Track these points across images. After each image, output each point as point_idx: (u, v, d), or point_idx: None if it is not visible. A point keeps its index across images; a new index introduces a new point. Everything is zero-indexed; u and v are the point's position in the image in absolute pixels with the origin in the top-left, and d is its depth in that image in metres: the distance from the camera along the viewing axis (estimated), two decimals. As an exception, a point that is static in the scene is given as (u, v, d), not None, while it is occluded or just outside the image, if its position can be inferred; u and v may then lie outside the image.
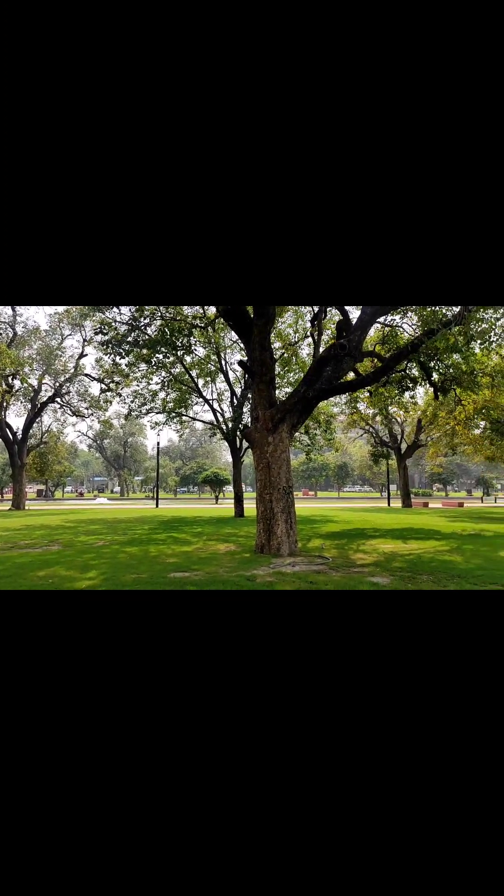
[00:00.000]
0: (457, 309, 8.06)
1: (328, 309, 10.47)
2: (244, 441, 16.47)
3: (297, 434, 15.76)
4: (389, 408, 18.01)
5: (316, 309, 9.05)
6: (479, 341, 8.65)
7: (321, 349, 8.67)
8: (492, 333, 8.65)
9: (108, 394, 20.50)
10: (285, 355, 15.64)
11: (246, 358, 8.91)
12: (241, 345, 12.73)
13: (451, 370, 9.88)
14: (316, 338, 9.26)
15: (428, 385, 10.14)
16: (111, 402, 20.98)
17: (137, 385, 18.27)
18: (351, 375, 9.23)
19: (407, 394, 11.53)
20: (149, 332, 12.57)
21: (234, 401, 18.42)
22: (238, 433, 16.91)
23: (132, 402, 18.49)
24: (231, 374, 18.66)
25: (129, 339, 12.29)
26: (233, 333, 15.06)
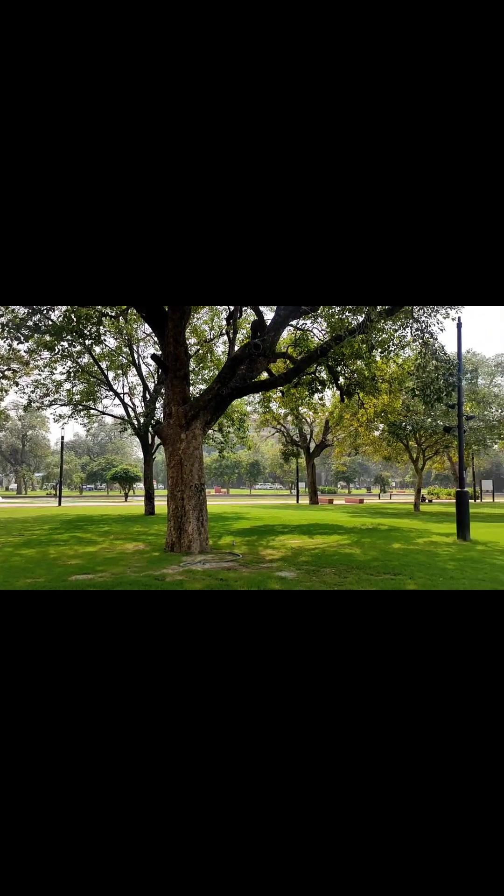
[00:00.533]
0: (361, 318, 8.64)
1: (243, 308, 10.58)
2: (156, 437, 16.04)
3: (210, 431, 15.72)
4: (300, 408, 18.80)
5: (231, 307, 9.10)
6: (379, 350, 9.35)
7: (236, 347, 8.74)
8: (390, 343, 9.40)
9: (4, 382, 18.58)
10: (200, 352, 15.50)
11: (160, 352, 8.66)
12: (155, 338, 12.35)
13: (356, 375, 10.57)
14: (231, 336, 9.31)
15: (335, 388, 10.74)
16: (7, 392, 19.05)
17: (39, 374, 16.87)
18: (264, 375, 9.45)
19: (316, 395, 12.12)
20: (52, 316, 11.61)
21: (147, 395, 17.83)
22: (150, 429, 16.40)
23: (32, 392, 17.06)
24: (144, 368, 18.05)
25: (30, 322, 11.23)
26: (146, 325, 14.54)
